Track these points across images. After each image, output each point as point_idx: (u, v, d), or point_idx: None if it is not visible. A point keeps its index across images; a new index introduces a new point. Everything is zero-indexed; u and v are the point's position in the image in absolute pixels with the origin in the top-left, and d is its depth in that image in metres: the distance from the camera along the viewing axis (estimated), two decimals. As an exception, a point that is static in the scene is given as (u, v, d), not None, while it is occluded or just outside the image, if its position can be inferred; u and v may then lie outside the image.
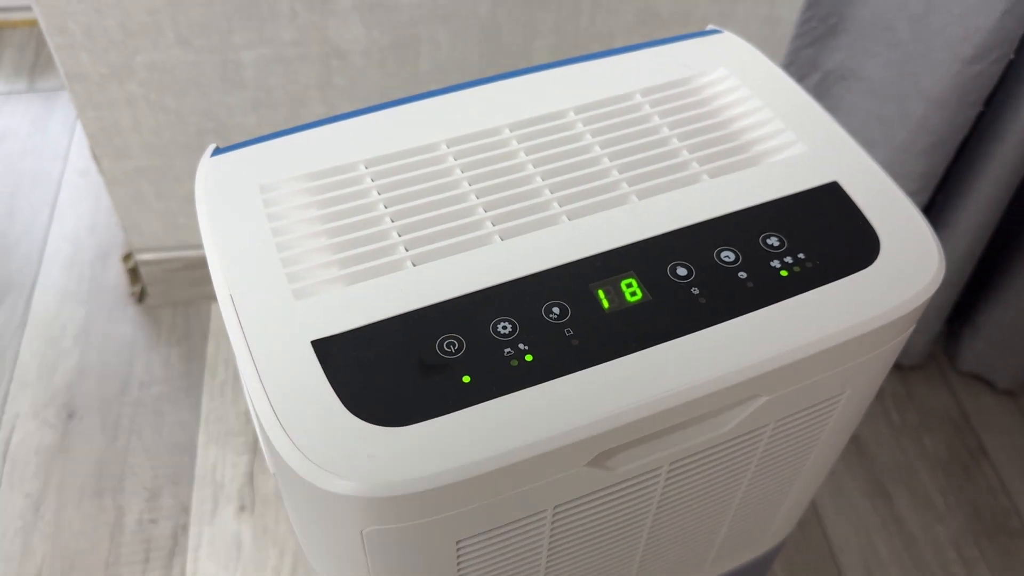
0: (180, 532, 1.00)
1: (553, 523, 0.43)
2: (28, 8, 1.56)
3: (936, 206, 1.01)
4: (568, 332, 0.41)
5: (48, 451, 1.06)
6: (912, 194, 0.92)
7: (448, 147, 0.49)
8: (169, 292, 1.20)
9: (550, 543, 0.45)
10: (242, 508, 1.01)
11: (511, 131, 0.50)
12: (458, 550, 0.41)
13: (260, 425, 0.38)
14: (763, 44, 0.91)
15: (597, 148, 0.49)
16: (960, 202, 0.96)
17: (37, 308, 1.21)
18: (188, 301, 1.21)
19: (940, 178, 0.94)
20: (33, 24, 1.62)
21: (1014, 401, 1.15)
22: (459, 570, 0.43)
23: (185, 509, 1.02)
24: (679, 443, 0.43)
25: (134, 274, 1.21)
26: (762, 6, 0.98)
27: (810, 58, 0.87)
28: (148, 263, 1.17)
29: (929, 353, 1.18)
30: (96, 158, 1.05)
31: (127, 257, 1.19)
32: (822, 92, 0.90)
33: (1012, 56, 0.82)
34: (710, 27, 0.58)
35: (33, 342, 1.17)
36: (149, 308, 1.21)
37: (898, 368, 1.18)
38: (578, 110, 0.51)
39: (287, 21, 0.94)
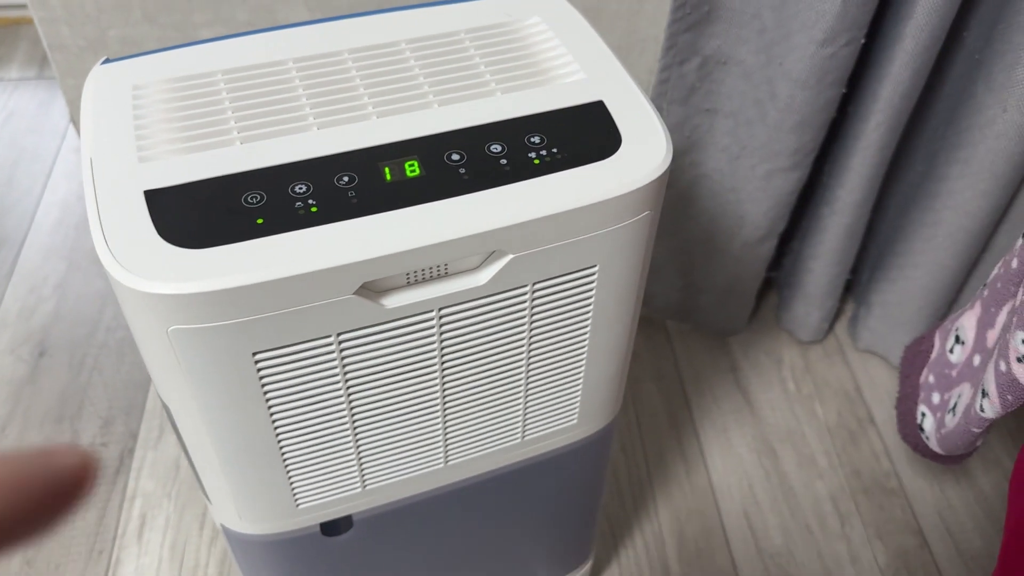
0: (127, 455, 1.11)
1: (342, 353, 0.54)
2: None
3: (821, 186, 1.10)
4: (351, 194, 0.52)
5: (18, 382, 1.18)
6: (788, 169, 1.02)
7: (294, 63, 0.60)
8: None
9: (345, 377, 0.55)
10: (183, 436, 1.12)
11: (349, 55, 0.61)
12: (257, 364, 0.52)
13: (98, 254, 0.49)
14: (642, 23, 1.01)
15: (416, 69, 0.60)
16: (838, 180, 1.06)
17: (24, 262, 1.34)
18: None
19: (816, 155, 1.04)
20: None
21: (907, 377, 1.23)
22: (264, 390, 0.53)
23: (133, 436, 1.13)
24: (443, 289, 0.53)
25: (110, 234, 1.33)
26: None
27: (689, 43, 0.98)
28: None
29: (829, 330, 1.26)
30: (75, 123, 1.18)
31: (103, 218, 1.32)
32: (703, 75, 1.01)
33: (863, 40, 0.92)
34: (537, -15, 0.69)
35: (17, 289, 1.30)
36: (122, 266, 1.33)
37: (799, 343, 1.26)
38: (410, 42, 0.63)
39: (241, 2, 1.07)
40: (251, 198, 0.51)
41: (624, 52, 1.13)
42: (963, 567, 1.03)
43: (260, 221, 0.50)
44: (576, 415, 0.69)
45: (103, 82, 0.59)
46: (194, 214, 0.50)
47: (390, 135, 0.55)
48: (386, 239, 0.49)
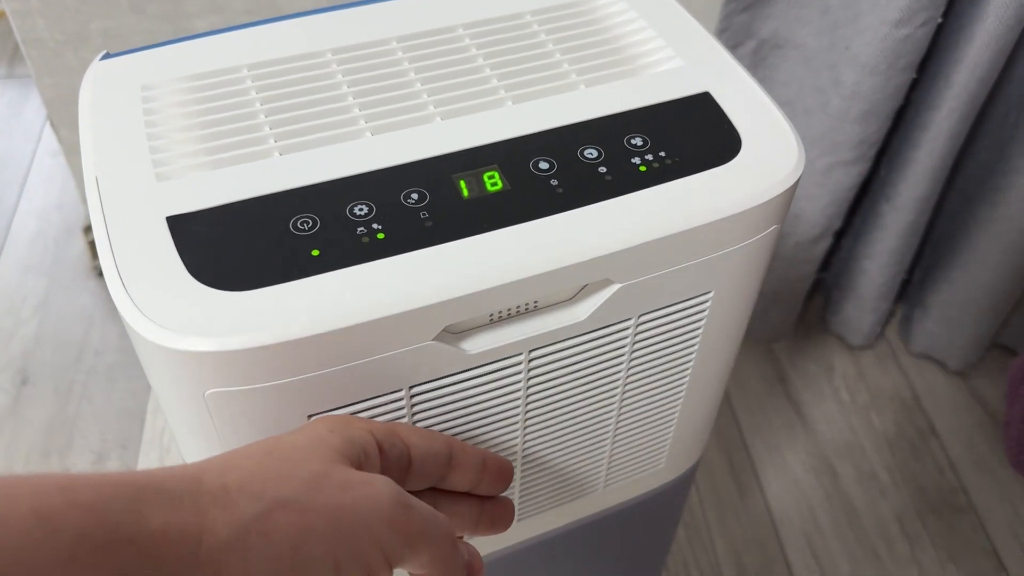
0: (123, 494, 1.00)
1: (413, 407, 0.44)
2: None
3: (879, 179, 1.02)
4: (424, 215, 0.42)
5: (0, 414, 1.07)
6: (850, 162, 0.93)
7: (333, 55, 0.50)
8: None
9: (413, 433, 0.45)
10: (185, 471, 1.02)
11: (398, 43, 0.51)
12: (311, 427, 0.42)
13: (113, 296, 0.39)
14: (703, 13, 0.93)
15: (480, 59, 0.50)
16: (900, 174, 0.97)
17: (0, 280, 1.23)
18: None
19: (879, 148, 0.95)
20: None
21: (965, 382, 1.15)
22: (319, 455, 0.43)
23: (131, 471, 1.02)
24: (535, 328, 0.43)
25: (94, 248, 1.22)
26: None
27: (744, 24, 0.88)
28: (108, 235, 1.18)
29: (880, 334, 1.18)
30: (54, 126, 1.07)
31: (87, 229, 1.21)
32: (758, 60, 0.92)
33: (940, 19, 0.83)
34: (607, -42, 0.59)
35: (-7, 312, 1.19)
36: (109, 281, 1.22)
37: (849, 348, 1.18)
38: (467, 26, 0.53)
39: (238, -12, 0.96)
40: (301, 223, 0.41)
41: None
42: (1045, 591, 0.96)
43: (315, 253, 0.40)
44: (664, 459, 0.60)
45: (104, 82, 0.48)
46: (232, 246, 0.40)
47: (461, 141, 0.45)
48: (473, 273, 0.40)
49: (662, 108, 0.48)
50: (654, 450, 0.58)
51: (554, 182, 0.44)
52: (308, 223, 0.41)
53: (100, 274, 1.22)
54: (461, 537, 0.41)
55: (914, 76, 0.88)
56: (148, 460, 1.03)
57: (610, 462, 0.56)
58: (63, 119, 1.06)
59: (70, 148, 1.08)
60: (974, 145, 1.00)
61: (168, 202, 0.41)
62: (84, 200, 1.15)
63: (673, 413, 0.55)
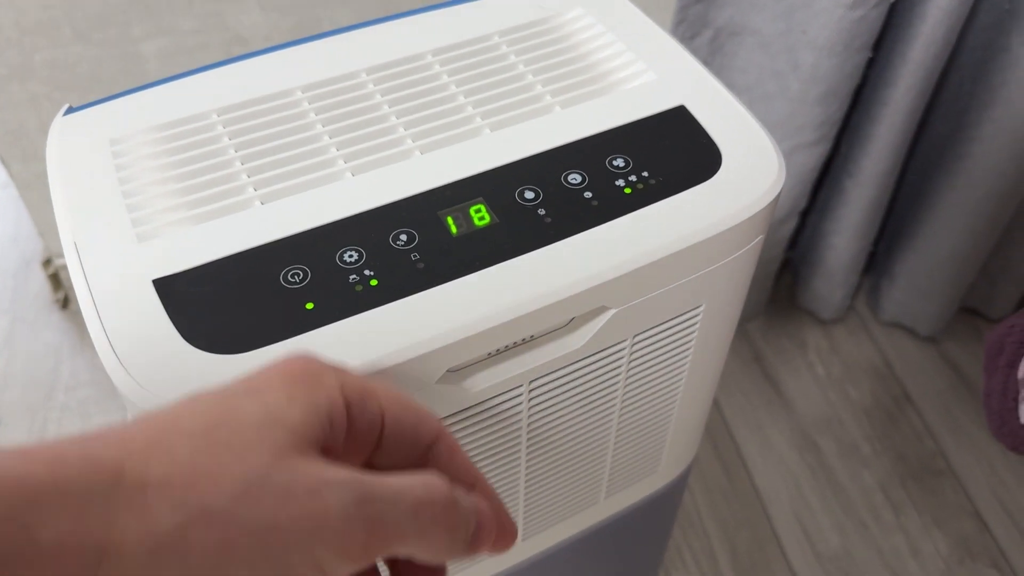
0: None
1: (416, 450, 0.44)
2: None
3: (840, 156, 1.03)
4: (415, 257, 0.41)
5: (-27, 461, 1.05)
6: (812, 143, 0.94)
7: (303, 93, 0.49)
8: (93, 296, 1.19)
9: (419, 472, 0.45)
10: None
11: (367, 75, 0.50)
12: (318, 479, 0.41)
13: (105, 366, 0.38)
14: (657, 3, 0.93)
15: (453, 87, 0.50)
16: (863, 150, 0.98)
17: (-41, 321, 1.20)
18: (113, 304, 1.20)
19: (840, 126, 0.96)
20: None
21: (936, 347, 1.17)
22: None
23: (115, 508, 1.01)
24: (534, 359, 0.43)
25: (56, 280, 1.20)
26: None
27: (700, 14, 0.88)
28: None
29: (850, 306, 1.20)
30: (4, 162, 1.04)
31: (47, 263, 1.18)
32: (715, 49, 0.92)
33: (892, 0, 0.84)
34: (569, -30, 0.59)
35: (-45, 354, 1.16)
36: (74, 313, 1.20)
37: (821, 323, 1.20)
38: (436, 52, 0.52)
39: (185, 9, 0.94)
40: (292, 275, 0.40)
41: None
42: (1027, 546, 0.98)
43: (310, 306, 0.39)
44: (660, 464, 0.60)
45: (71, 139, 0.47)
46: (224, 305, 0.39)
47: (443, 174, 0.45)
48: (472, 315, 0.39)
49: (639, 126, 0.48)
50: (651, 457, 0.58)
51: (541, 211, 0.43)
52: (299, 275, 0.40)
53: (64, 307, 1.20)
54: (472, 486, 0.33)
55: (870, 55, 0.89)
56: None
57: (610, 474, 0.57)
58: (13, 153, 1.03)
59: (24, 183, 1.05)
60: (932, 116, 1.01)
61: (152, 264, 0.40)
62: (41, 233, 1.12)
63: (668, 420, 0.56)
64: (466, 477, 0.33)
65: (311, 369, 0.29)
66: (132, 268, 0.40)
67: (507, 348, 0.43)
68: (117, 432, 0.26)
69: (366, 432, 0.30)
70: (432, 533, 0.29)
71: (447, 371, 0.40)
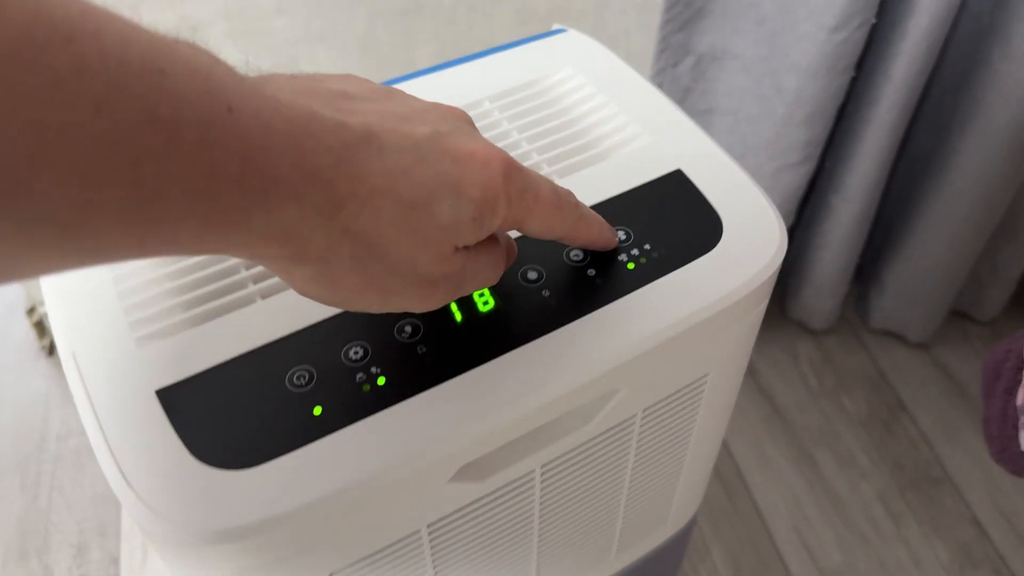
0: (111, 585, 0.98)
1: (432, 542, 0.43)
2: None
3: (826, 172, 1.03)
4: (421, 350, 0.41)
5: (-34, 519, 1.03)
6: (798, 163, 0.94)
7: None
8: (79, 341, 1.17)
9: (433, 562, 0.45)
10: (172, 552, 1.00)
11: (359, 151, 0.49)
12: (334, 581, 0.41)
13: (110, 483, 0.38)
14: (640, 31, 0.92)
15: (446, 160, 0.49)
16: (848, 166, 0.98)
17: (-57, 372, 1.18)
18: (100, 348, 1.18)
19: (825, 145, 0.96)
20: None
21: (928, 353, 1.18)
22: (342, 599, 0.43)
23: (114, 561, 1.00)
24: (546, 447, 0.43)
25: (40, 327, 1.18)
26: (635, -6, 0.99)
27: (682, 43, 0.88)
28: (53, 314, 1.14)
29: (840, 316, 1.20)
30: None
31: (31, 311, 1.17)
32: (698, 75, 0.91)
33: (874, 20, 0.84)
34: (556, 27, 0.58)
35: (-59, 408, 1.14)
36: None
37: (812, 333, 1.20)
38: (426, 123, 0.51)
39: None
40: (298, 378, 0.40)
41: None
42: (1026, 551, 0.99)
43: (317, 412, 0.38)
44: (668, 518, 0.60)
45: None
46: (230, 415, 0.38)
47: (443, 257, 0.44)
48: (484, 412, 0.39)
49: (637, 193, 0.47)
50: (661, 513, 0.58)
51: (546, 292, 0.43)
52: (304, 376, 0.40)
53: (50, 354, 1.18)
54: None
55: (853, 75, 0.89)
56: (130, 546, 1.00)
57: (620, 534, 0.56)
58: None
59: None
60: (915, 128, 1.02)
61: (154, 372, 0.40)
62: (23, 282, 1.11)
63: (677, 478, 0.56)
64: None
65: (494, 193, 0.34)
66: (133, 378, 0.40)
67: (519, 437, 0.42)
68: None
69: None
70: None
71: (461, 468, 0.40)
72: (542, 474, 0.44)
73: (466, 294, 0.39)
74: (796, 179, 0.96)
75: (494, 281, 0.38)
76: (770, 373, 1.16)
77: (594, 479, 0.48)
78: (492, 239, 0.37)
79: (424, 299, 0.35)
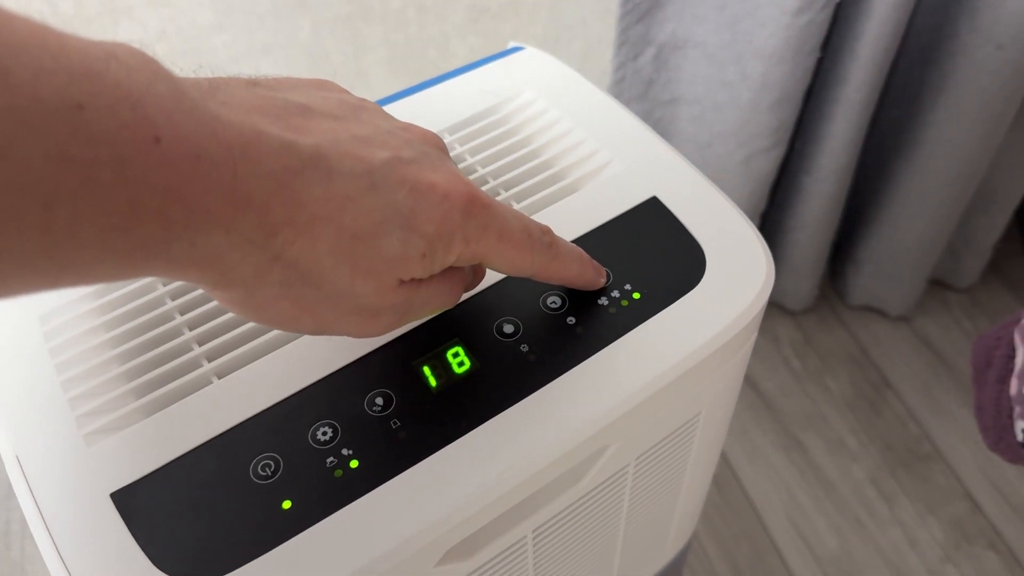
0: (93, 633, 0.95)
1: (421, 620, 0.41)
2: None
3: (796, 154, 1.01)
4: (395, 424, 0.38)
5: (-64, 576, 0.99)
6: (768, 149, 0.91)
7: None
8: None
9: (425, 636, 0.42)
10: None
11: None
12: (320, 677, 0.38)
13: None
14: (598, 20, 0.89)
15: (406, 202, 0.46)
16: (818, 148, 0.96)
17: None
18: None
19: (794, 128, 0.94)
20: None
21: (908, 326, 1.17)
22: None
23: (95, 608, 0.96)
24: (536, 512, 0.40)
25: None
26: (590, -16, 0.95)
27: (641, 34, 0.85)
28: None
29: (818, 295, 1.19)
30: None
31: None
32: (660, 65, 0.88)
33: (838, 0, 0.81)
34: (512, 44, 0.55)
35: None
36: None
37: (791, 314, 1.18)
38: (382, 162, 0.48)
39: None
40: (263, 468, 0.37)
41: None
42: (1020, 522, 0.99)
43: (287, 505, 0.36)
44: (667, 544, 0.58)
45: (-5, 320, 0.42)
46: (194, 516, 0.35)
47: (412, 316, 0.41)
48: (468, 489, 0.36)
49: (612, 227, 0.45)
50: (656, 547, 0.56)
51: (524, 347, 0.40)
52: (271, 466, 0.37)
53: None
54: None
55: (819, 56, 0.86)
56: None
57: (619, 569, 0.54)
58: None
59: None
60: (884, 101, 0.99)
61: (107, 473, 0.36)
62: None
63: (673, 510, 0.53)
64: None
65: (449, 229, 0.32)
66: (85, 480, 0.36)
67: (504, 513, 0.40)
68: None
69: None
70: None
71: (447, 552, 0.37)
72: (534, 538, 0.42)
73: (416, 320, 0.37)
74: (767, 164, 0.94)
75: (450, 306, 0.37)
76: (752, 359, 1.14)
77: (589, 530, 0.46)
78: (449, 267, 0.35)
79: (363, 328, 0.33)
